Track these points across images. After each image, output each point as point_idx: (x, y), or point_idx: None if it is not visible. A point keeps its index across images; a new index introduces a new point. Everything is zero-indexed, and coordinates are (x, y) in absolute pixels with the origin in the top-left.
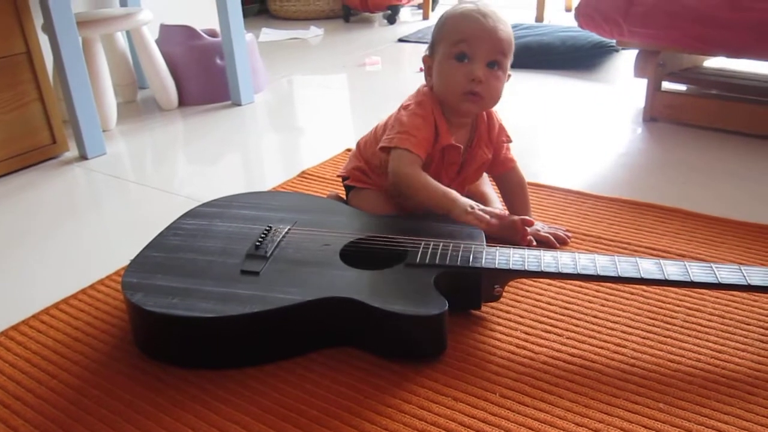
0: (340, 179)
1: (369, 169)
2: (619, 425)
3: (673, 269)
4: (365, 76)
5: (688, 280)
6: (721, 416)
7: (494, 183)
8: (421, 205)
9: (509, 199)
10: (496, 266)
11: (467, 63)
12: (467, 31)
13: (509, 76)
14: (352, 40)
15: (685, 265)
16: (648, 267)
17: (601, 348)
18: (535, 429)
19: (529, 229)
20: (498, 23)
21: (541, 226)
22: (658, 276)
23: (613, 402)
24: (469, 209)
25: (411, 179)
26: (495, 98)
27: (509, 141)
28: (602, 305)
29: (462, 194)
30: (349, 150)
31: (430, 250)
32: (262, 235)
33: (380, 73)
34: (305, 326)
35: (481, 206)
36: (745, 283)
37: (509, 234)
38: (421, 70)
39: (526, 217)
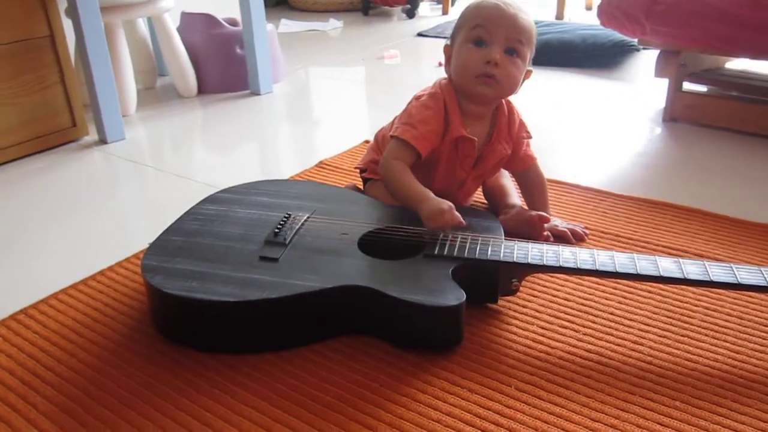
0: (358, 171)
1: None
2: (635, 422)
3: (692, 268)
4: (384, 70)
5: (708, 279)
6: (738, 416)
7: (514, 178)
8: (393, 192)
9: (529, 195)
10: (515, 260)
11: (485, 48)
12: (486, 15)
13: (530, 72)
14: (371, 34)
15: (704, 264)
16: (667, 265)
17: (618, 345)
18: (550, 423)
19: (546, 225)
20: (519, 12)
21: (559, 222)
22: (677, 274)
23: (629, 399)
24: (435, 216)
25: (391, 170)
26: (512, 85)
27: (529, 137)
28: (620, 302)
29: (477, 188)
30: (367, 142)
31: (448, 242)
32: (281, 223)
33: (399, 67)
34: (322, 313)
35: (455, 215)
36: (766, 285)
37: (526, 230)
38: (440, 64)
39: (543, 213)
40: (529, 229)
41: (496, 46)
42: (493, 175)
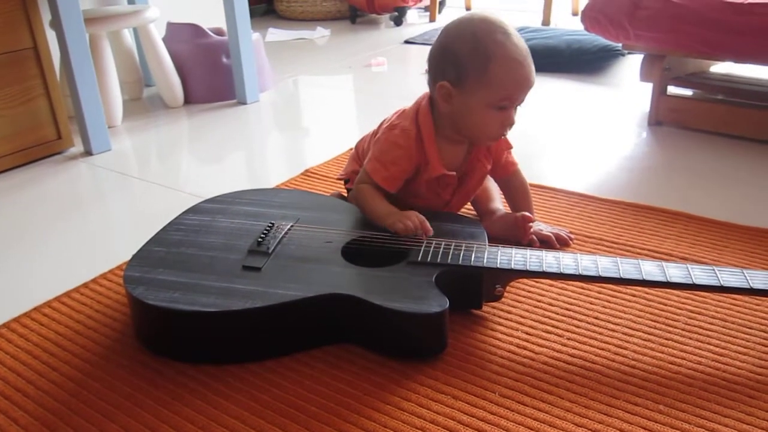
0: (342, 180)
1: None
2: (619, 426)
3: (675, 272)
4: (371, 77)
5: (690, 282)
6: (722, 419)
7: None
8: (366, 216)
9: (513, 201)
10: (498, 266)
11: (505, 111)
12: (515, 86)
13: None
14: (358, 41)
15: (687, 267)
16: (650, 269)
17: (602, 349)
18: (534, 429)
19: (531, 230)
20: (533, 67)
21: (544, 227)
22: (660, 278)
23: (612, 403)
24: (403, 219)
25: (360, 193)
26: None
27: (509, 148)
28: (604, 307)
29: (464, 204)
30: (352, 149)
31: (432, 249)
32: (264, 232)
33: (386, 74)
34: (306, 322)
35: (422, 219)
36: (748, 287)
37: (511, 232)
38: (426, 71)
39: (526, 213)
40: (514, 230)
41: (514, 108)
42: (478, 188)
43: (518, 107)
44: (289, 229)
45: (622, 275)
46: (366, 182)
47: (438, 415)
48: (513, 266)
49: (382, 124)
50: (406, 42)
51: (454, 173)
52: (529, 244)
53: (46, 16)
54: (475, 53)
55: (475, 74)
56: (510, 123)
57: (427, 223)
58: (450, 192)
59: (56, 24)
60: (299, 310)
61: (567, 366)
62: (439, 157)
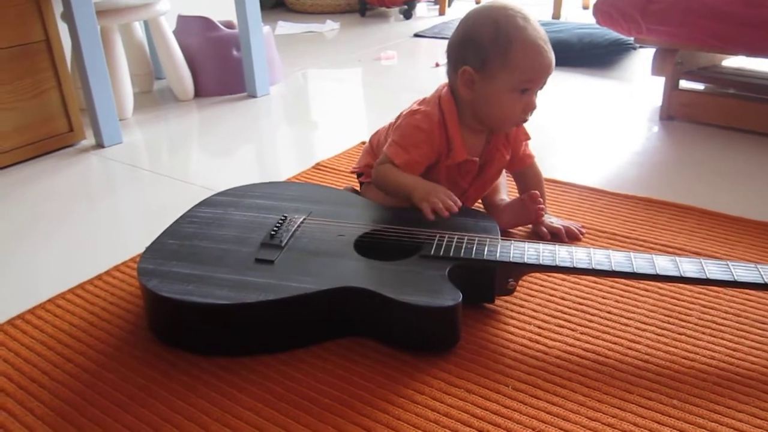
0: (354, 174)
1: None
2: (633, 420)
3: (688, 266)
4: (380, 71)
5: (704, 277)
6: (736, 414)
7: (510, 176)
8: (392, 194)
9: (524, 191)
10: (511, 260)
11: (526, 95)
12: (536, 69)
13: None
14: (367, 35)
15: (701, 262)
16: (664, 264)
17: (615, 344)
18: (547, 422)
19: (543, 220)
20: (552, 52)
21: (555, 220)
22: (673, 273)
23: (626, 398)
24: (430, 197)
25: (382, 172)
26: None
27: (527, 139)
28: (617, 301)
29: (480, 195)
30: (364, 143)
31: (444, 243)
32: (277, 225)
33: (396, 68)
34: (319, 315)
35: (449, 194)
36: (762, 282)
37: (522, 217)
38: (437, 65)
39: (533, 191)
40: (524, 214)
41: (535, 92)
42: (496, 180)
43: (538, 92)
44: (301, 223)
45: (636, 270)
46: (383, 163)
47: (451, 408)
48: (526, 260)
49: (399, 115)
50: (416, 35)
51: (477, 159)
52: (541, 238)
53: (58, 9)
54: (496, 38)
55: (497, 58)
56: (532, 107)
57: (455, 198)
58: (469, 180)
59: (68, 16)
60: (312, 304)
61: (580, 360)
62: (463, 142)
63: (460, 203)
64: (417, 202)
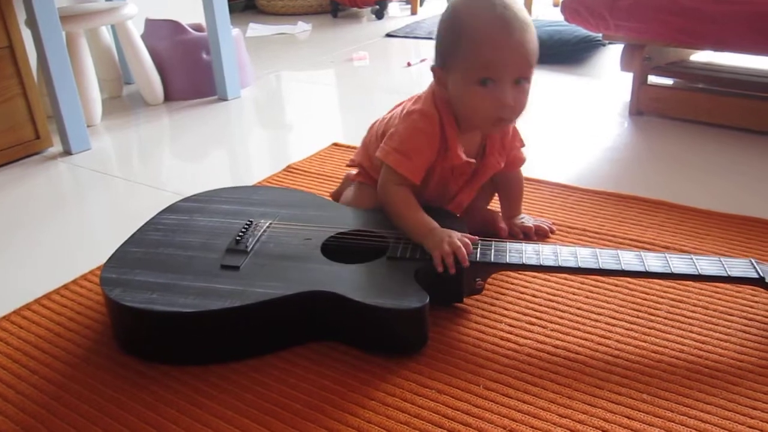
0: (348, 167)
1: (371, 167)
2: (603, 416)
3: (653, 261)
4: (352, 72)
5: (669, 271)
6: (704, 407)
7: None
8: (397, 227)
9: (504, 191)
10: (477, 260)
11: (493, 86)
12: (490, 54)
13: None
14: (339, 36)
15: (665, 256)
16: (629, 259)
17: (585, 340)
18: (518, 421)
19: (515, 221)
20: (524, 34)
21: (526, 219)
22: (638, 268)
23: (596, 394)
24: (443, 246)
25: (393, 198)
26: (521, 112)
27: (522, 145)
28: (587, 297)
29: (468, 200)
30: (336, 144)
31: (411, 244)
32: (243, 230)
33: (368, 68)
34: (286, 321)
35: (461, 238)
36: (726, 275)
37: (489, 230)
38: (408, 65)
39: (503, 227)
40: (493, 229)
41: (506, 84)
42: (487, 179)
43: (525, 87)
44: (267, 227)
45: (601, 266)
46: (392, 181)
47: (422, 409)
48: (492, 259)
49: (394, 110)
50: (388, 35)
51: (473, 161)
52: (512, 236)
53: (21, 15)
54: (451, 28)
55: (451, 49)
56: (503, 102)
57: (470, 247)
58: (460, 184)
59: (31, 22)
60: (279, 309)
61: (551, 357)
62: (459, 144)
63: (472, 252)
64: (428, 248)
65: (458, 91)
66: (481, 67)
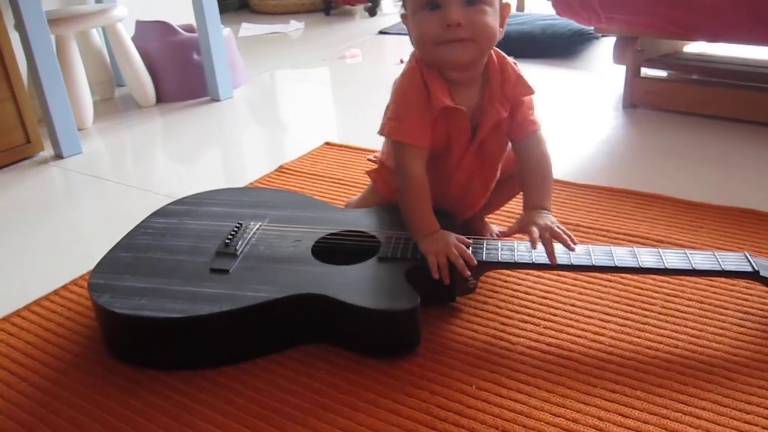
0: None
1: (386, 157)
2: (596, 414)
3: (647, 257)
4: (345, 69)
5: (663, 267)
6: (699, 402)
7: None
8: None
9: (526, 181)
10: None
11: (439, 10)
12: None
13: (508, 6)
14: (332, 33)
15: (659, 252)
16: (622, 255)
17: (579, 337)
18: (511, 421)
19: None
20: None
21: (548, 218)
22: (632, 264)
23: (590, 391)
24: (439, 252)
25: (405, 192)
26: (487, 36)
27: (528, 92)
28: (580, 293)
29: (481, 170)
30: (328, 144)
31: (402, 244)
32: (233, 233)
33: (361, 66)
34: (278, 324)
35: (458, 245)
36: (720, 269)
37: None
38: (401, 62)
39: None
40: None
41: (452, 4)
42: (499, 154)
43: (483, 8)
44: (257, 229)
45: (594, 263)
46: (401, 160)
47: (414, 410)
48: (484, 258)
49: None
50: (381, 32)
51: (464, 108)
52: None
53: (9, 19)
54: None
55: None
56: (450, 22)
57: (467, 254)
58: (464, 141)
59: (19, 26)
60: (269, 312)
61: (544, 355)
62: (447, 89)
63: (474, 262)
64: (423, 251)
65: (411, 25)
66: None
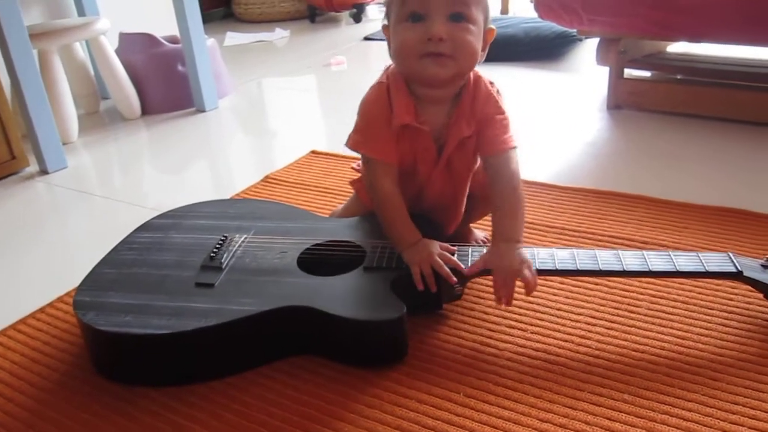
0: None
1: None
2: (584, 419)
3: (632, 260)
4: (331, 77)
5: (647, 269)
6: (685, 404)
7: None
8: (386, 233)
9: (495, 202)
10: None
11: (422, 23)
12: None
13: (492, 31)
14: (317, 41)
15: (643, 254)
16: (607, 258)
17: (566, 341)
18: (499, 428)
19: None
20: None
21: (520, 260)
22: (617, 267)
23: (577, 396)
24: (423, 261)
25: (383, 201)
26: (468, 54)
27: (498, 113)
28: (566, 297)
29: (452, 191)
30: (314, 152)
31: (387, 253)
32: (218, 246)
33: (346, 73)
34: (264, 337)
35: (442, 254)
36: (704, 270)
37: None
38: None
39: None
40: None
41: (436, 18)
42: (467, 170)
43: (466, 25)
44: (243, 242)
45: (579, 267)
46: (372, 176)
47: (402, 420)
48: (470, 265)
49: None
50: (366, 39)
51: (426, 128)
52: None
53: None
54: None
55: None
56: (432, 36)
57: (453, 261)
58: (430, 160)
59: (1, 41)
60: (255, 325)
61: (531, 361)
62: (412, 107)
63: (461, 267)
64: (407, 261)
65: (392, 36)
66: (409, 2)
